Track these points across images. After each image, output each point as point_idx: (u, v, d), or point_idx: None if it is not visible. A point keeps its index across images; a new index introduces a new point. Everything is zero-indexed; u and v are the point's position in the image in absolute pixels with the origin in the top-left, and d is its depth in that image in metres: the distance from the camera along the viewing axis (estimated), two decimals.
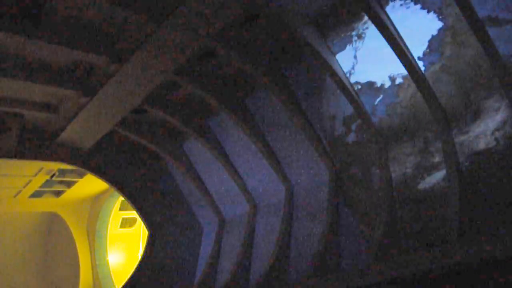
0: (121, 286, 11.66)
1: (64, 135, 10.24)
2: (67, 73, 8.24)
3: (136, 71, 7.77)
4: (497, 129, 6.63)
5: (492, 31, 6.23)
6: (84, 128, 9.93)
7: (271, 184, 10.52)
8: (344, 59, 7.94)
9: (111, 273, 17.32)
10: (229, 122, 10.50)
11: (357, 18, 7.78)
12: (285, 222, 9.52)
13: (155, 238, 12.07)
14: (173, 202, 12.91)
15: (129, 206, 14.06)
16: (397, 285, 5.82)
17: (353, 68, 8.09)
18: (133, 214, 17.51)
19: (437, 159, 7.39)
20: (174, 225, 12.59)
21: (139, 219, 17.17)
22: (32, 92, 8.58)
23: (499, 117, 6.64)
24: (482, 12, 6.24)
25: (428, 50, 7.24)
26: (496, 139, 6.66)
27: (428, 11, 6.91)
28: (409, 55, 7.15)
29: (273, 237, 9.79)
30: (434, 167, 7.38)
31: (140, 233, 19.07)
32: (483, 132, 6.83)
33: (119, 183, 12.09)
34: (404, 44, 7.18)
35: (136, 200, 12.24)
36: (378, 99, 8.13)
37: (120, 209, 17.58)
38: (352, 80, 8.07)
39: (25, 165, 11.27)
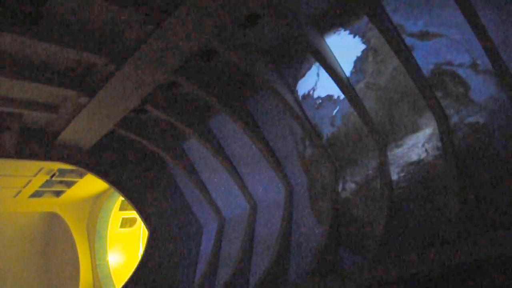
0: (121, 286, 11.66)
1: (64, 135, 10.23)
2: (67, 73, 8.24)
3: (136, 71, 7.77)
4: (426, 142, 7.44)
5: (424, 44, 7.15)
6: (84, 128, 9.93)
7: (271, 184, 10.52)
8: (309, 78, 8.78)
9: (111, 273, 17.32)
10: (229, 122, 10.50)
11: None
12: (285, 222, 9.52)
13: (155, 238, 12.07)
14: (173, 202, 12.91)
15: (129, 206, 14.07)
16: (397, 285, 5.82)
17: (316, 84, 8.80)
18: (133, 214, 17.50)
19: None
20: (174, 225, 12.59)
21: (139, 219, 17.16)
22: (32, 92, 8.58)
23: (427, 130, 7.45)
24: (415, 26, 7.12)
25: (354, 70, 8.06)
26: (426, 150, 7.44)
27: (354, 36, 7.75)
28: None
29: (273, 237, 9.79)
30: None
31: (140, 233, 19.06)
32: (415, 145, 7.62)
33: (119, 183, 12.09)
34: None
35: (136, 200, 12.23)
36: (335, 110, 8.80)
37: (120, 209, 17.57)
38: (315, 95, 8.87)
39: (25, 165, 11.26)
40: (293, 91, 9.19)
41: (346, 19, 7.70)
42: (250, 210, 11.01)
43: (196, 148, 11.80)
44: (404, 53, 7.09)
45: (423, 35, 7.10)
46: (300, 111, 9.11)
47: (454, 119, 7.21)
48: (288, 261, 9.09)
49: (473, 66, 6.88)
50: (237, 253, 10.35)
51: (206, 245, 12.32)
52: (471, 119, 7.00)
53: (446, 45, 6.87)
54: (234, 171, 11.01)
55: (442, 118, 7.28)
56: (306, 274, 7.69)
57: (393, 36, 6.94)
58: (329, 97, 8.79)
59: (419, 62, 7.35)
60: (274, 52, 8.80)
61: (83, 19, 6.83)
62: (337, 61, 8.18)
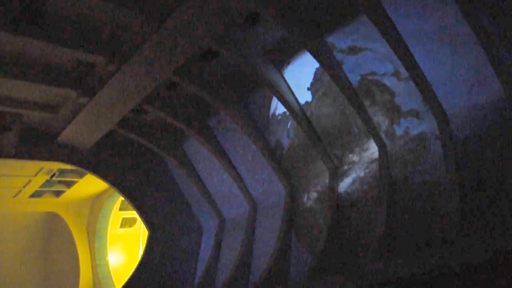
0: (121, 286, 11.66)
1: (64, 135, 10.24)
2: (67, 73, 8.24)
3: (136, 71, 7.77)
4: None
5: (352, 58, 7.90)
6: (84, 128, 9.93)
7: (271, 184, 10.52)
8: (274, 100, 9.70)
9: (111, 273, 17.34)
10: (229, 122, 10.50)
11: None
12: (285, 222, 9.52)
13: (155, 238, 12.08)
14: (173, 202, 12.91)
15: (129, 206, 14.08)
16: (397, 285, 5.82)
17: (277, 103, 9.64)
18: (133, 214, 17.51)
19: (345, 167, 8.94)
20: (174, 225, 12.59)
21: (139, 219, 17.17)
22: (32, 92, 8.58)
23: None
24: (345, 43, 7.77)
25: (313, 81, 8.81)
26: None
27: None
28: None
29: (273, 237, 9.79)
30: (344, 175, 8.89)
31: (140, 233, 19.08)
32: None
33: (119, 183, 12.10)
34: None
35: (136, 200, 12.23)
36: (289, 124, 9.75)
37: (120, 209, 17.58)
38: (277, 112, 9.83)
39: (25, 165, 11.27)
40: (293, 91, 9.20)
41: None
42: (250, 210, 11.01)
43: (196, 148, 11.81)
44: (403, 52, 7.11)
45: (351, 50, 7.82)
46: (301, 112, 9.12)
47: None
48: (288, 261, 9.09)
49: (396, 74, 7.61)
50: (237, 253, 10.36)
51: (206, 245, 12.33)
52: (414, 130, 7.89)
53: (371, 58, 7.67)
54: (234, 171, 11.01)
55: (442, 122, 7.30)
56: (306, 274, 7.69)
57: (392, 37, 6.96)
58: (285, 113, 9.74)
59: (348, 75, 8.08)
60: (274, 52, 8.81)
61: (83, 19, 6.83)
62: (339, 63, 8.20)
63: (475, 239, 5.49)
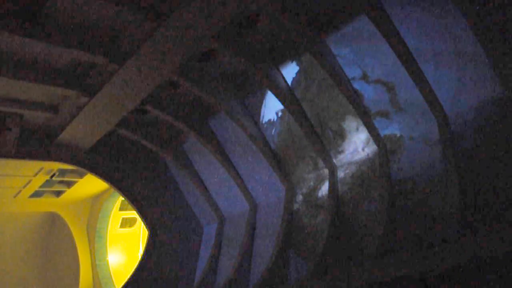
0: (121, 286, 11.66)
1: (64, 135, 10.23)
2: (67, 73, 8.24)
3: (136, 71, 7.77)
4: (366, 146, 8.62)
5: None
6: (84, 128, 9.93)
7: (271, 184, 10.52)
8: (263, 110, 10.20)
9: (111, 273, 17.33)
10: (229, 122, 10.50)
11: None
12: (285, 221, 9.52)
13: (155, 238, 12.07)
14: (173, 202, 12.91)
15: (129, 206, 14.07)
16: (397, 285, 5.82)
17: (264, 112, 10.16)
18: (133, 214, 17.51)
19: (326, 171, 9.33)
20: (174, 225, 12.59)
21: (139, 219, 17.17)
22: (32, 92, 8.58)
23: (362, 135, 8.62)
24: None
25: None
26: (363, 150, 8.71)
27: (292, 61, 8.99)
28: None
29: (273, 237, 9.79)
30: (325, 178, 9.29)
31: (140, 233, 19.08)
32: (355, 150, 8.82)
33: (119, 183, 12.09)
34: None
35: (136, 200, 12.23)
36: (273, 130, 10.16)
37: (120, 209, 17.58)
38: (264, 121, 10.26)
39: (25, 165, 11.27)
40: (292, 91, 9.21)
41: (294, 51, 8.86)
42: (250, 210, 11.01)
43: (196, 148, 11.81)
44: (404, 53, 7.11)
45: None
46: (301, 112, 9.12)
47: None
48: (288, 261, 9.09)
49: (364, 77, 8.06)
50: (237, 253, 10.36)
51: (206, 245, 12.33)
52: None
53: (341, 63, 8.16)
54: (234, 171, 11.01)
55: (442, 122, 7.30)
56: (307, 274, 7.69)
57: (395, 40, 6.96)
58: (269, 120, 10.14)
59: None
60: (273, 52, 8.81)
61: (83, 19, 6.84)
62: (339, 64, 8.21)
63: (475, 239, 5.48)
